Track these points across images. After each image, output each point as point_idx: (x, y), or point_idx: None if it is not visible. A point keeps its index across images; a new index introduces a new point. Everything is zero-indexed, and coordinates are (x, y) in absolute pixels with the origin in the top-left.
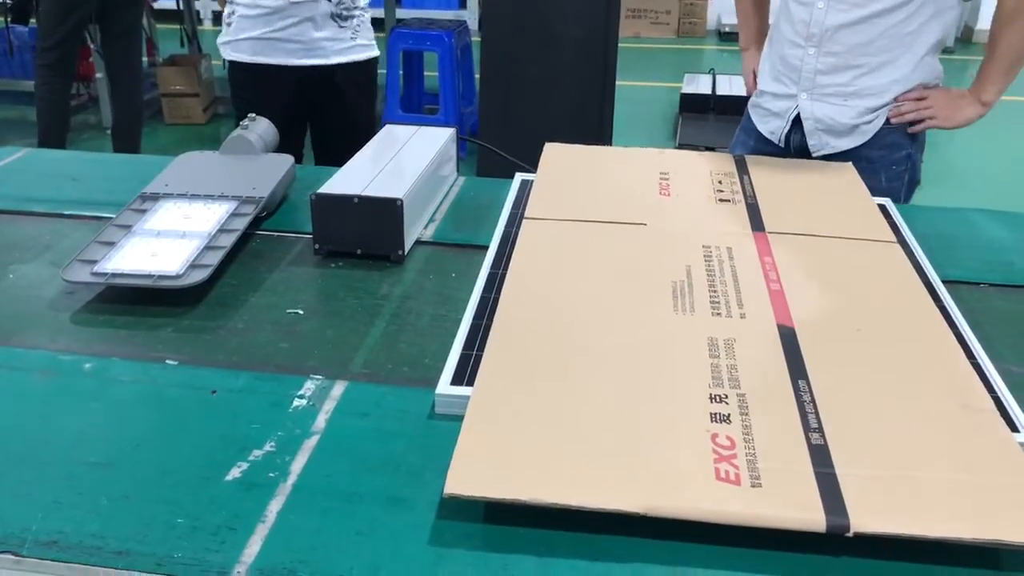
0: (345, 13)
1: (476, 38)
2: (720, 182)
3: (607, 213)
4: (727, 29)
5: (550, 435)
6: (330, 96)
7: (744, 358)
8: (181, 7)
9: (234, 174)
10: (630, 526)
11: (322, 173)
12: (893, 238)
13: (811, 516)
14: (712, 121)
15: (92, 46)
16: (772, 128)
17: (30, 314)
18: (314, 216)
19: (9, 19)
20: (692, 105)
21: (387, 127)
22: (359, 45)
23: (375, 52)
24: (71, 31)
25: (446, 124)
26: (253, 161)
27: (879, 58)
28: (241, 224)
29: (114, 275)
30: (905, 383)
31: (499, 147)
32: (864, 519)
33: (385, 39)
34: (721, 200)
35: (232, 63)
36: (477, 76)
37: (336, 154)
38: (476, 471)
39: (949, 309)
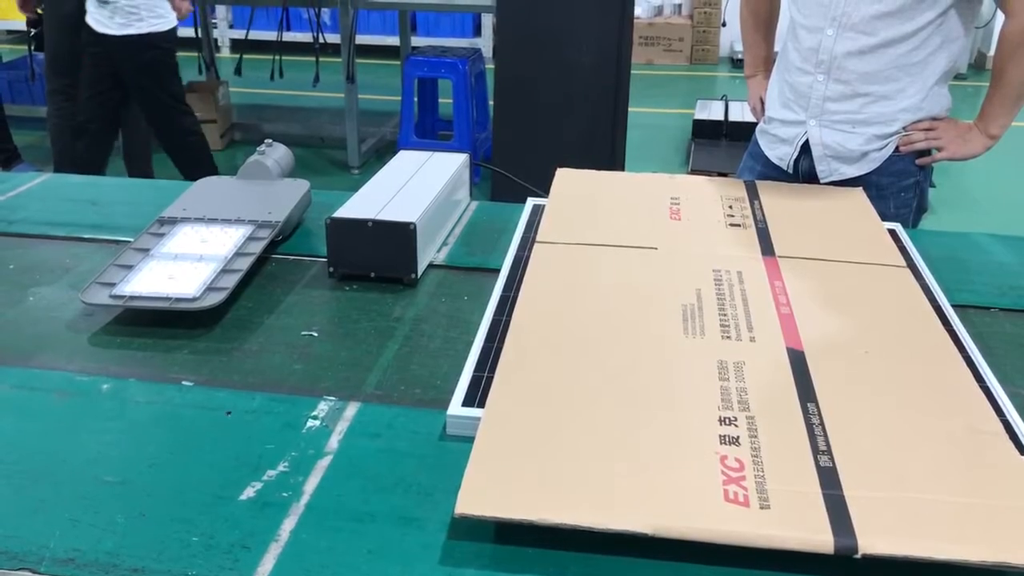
0: None
1: (490, 65)
2: (731, 207)
3: (618, 237)
4: (739, 56)
5: (560, 456)
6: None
7: (753, 381)
8: (199, 35)
9: (251, 199)
10: (639, 547)
11: (338, 198)
12: (903, 263)
13: (819, 538)
14: (724, 147)
15: None
16: (780, 154)
17: (49, 335)
18: (329, 239)
19: (33, 47)
20: (704, 131)
21: (401, 152)
22: (116, 22)
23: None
24: (78, 57)
25: (460, 150)
26: (269, 186)
27: (888, 86)
28: (257, 248)
29: (132, 297)
30: (914, 406)
31: (513, 172)
32: (872, 541)
33: (400, 67)
34: (732, 225)
35: None
36: (491, 103)
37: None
38: (487, 491)
39: (958, 333)
